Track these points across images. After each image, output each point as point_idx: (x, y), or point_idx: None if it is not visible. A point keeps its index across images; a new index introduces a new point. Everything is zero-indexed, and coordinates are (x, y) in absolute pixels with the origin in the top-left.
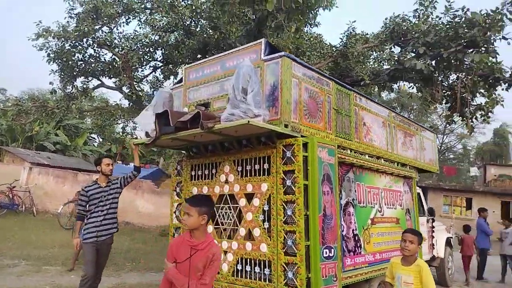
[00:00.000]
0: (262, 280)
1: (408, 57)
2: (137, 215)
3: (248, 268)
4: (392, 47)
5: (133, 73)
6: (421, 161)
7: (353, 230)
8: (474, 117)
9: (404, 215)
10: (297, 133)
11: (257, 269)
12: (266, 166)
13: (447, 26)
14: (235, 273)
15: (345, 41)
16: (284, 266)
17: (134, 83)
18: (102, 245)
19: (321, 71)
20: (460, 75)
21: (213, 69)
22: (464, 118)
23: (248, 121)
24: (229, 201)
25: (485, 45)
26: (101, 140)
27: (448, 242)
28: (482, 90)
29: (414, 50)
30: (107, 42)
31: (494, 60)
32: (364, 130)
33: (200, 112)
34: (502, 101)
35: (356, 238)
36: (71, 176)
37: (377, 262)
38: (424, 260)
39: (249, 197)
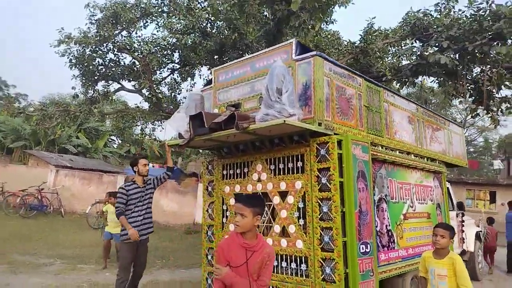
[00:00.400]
0: (298, 275)
1: (431, 52)
2: (162, 214)
3: (284, 264)
4: (414, 42)
5: (152, 76)
6: (449, 155)
7: (386, 225)
8: (500, 110)
9: (434, 210)
10: (330, 131)
11: (293, 265)
12: (299, 164)
13: (471, 19)
14: None
15: (364, 37)
16: (321, 261)
17: (154, 85)
18: (142, 245)
19: (351, 69)
20: (484, 68)
21: (242, 70)
22: (489, 112)
23: (284, 121)
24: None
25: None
26: (120, 141)
27: (477, 236)
28: (507, 83)
29: (437, 44)
30: (127, 46)
31: None
32: (394, 126)
33: (235, 113)
34: None
35: (390, 234)
36: (96, 177)
37: (410, 257)
38: None
39: (283, 195)
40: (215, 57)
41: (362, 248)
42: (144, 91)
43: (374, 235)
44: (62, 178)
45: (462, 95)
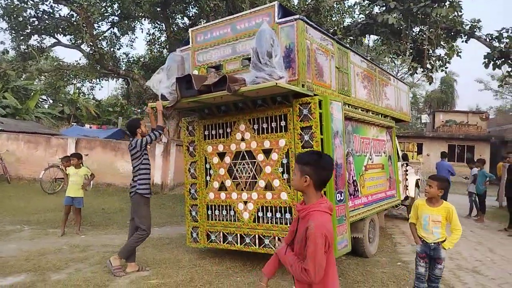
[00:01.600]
0: (283, 223)
1: (380, 12)
2: (119, 176)
3: (269, 214)
4: (362, 0)
5: (93, 29)
6: (397, 111)
7: (352, 176)
8: (434, 67)
9: (387, 161)
10: (311, 92)
11: (278, 214)
12: (283, 123)
13: None
14: (256, 220)
15: None
16: None
17: (96, 40)
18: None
19: (325, 32)
20: (423, 28)
21: (223, 31)
22: (426, 69)
23: (276, 83)
24: (246, 157)
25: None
26: (51, 101)
27: (416, 184)
28: (442, 43)
29: (384, 4)
30: None
31: (456, 13)
32: (357, 86)
33: (226, 75)
34: (460, 51)
35: (355, 184)
36: (44, 140)
37: (369, 203)
38: (399, 199)
39: (266, 152)
40: (158, 9)
41: (338, 196)
42: (83, 46)
43: (346, 185)
44: (5, 142)
45: (403, 53)
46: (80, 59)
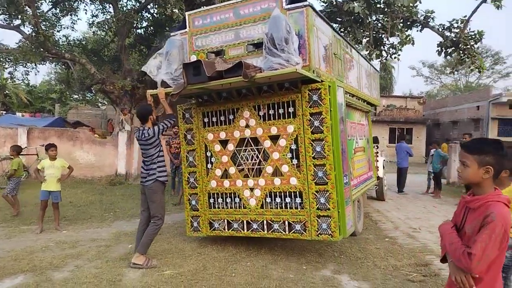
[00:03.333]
0: (293, 208)
1: (345, 0)
2: (77, 168)
3: (278, 200)
4: None
5: (36, 10)
6: (372, 96)
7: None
8: (388, 54)
9: (366, 144)
10: (318, 77)
11: (287, 199)
12: (291, 109)
13: None
14: (264, 206)
15: None
16: (315, 194)
17: (40, 21)
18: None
19: (326, 19)
20: (380, 17)
21: (224, 15)
22: (380, 57)
23: (296, 69)
24: (251, 144)
25: None
26: None
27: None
28: (397, 32)
29: None
30: None
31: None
32: (348, 72)
33: (242, 61)
34: (413, 41)
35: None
36: None
37: (358, 185)
38: (375, 180)
39: (273, 138)
40: None
41: (344, 179)
42: (24, 28)
43: (349, 168)
44: None
45: (360, 42)
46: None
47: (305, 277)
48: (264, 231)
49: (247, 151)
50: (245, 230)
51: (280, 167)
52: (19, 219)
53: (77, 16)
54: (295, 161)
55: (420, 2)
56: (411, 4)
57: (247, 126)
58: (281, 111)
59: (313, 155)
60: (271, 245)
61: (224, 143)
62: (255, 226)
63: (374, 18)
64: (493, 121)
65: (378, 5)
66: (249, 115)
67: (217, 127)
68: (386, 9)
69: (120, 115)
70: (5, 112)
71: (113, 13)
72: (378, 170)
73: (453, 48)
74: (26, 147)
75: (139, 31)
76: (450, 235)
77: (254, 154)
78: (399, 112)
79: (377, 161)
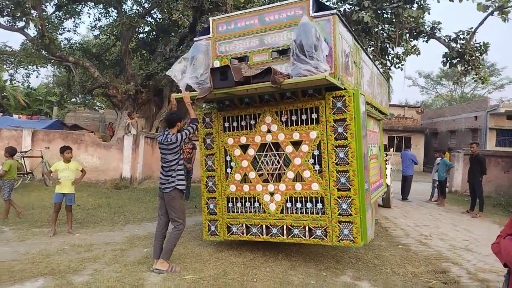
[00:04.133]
0: (314, 213)
1: (355, 10)
2: None
3: (298, 205)
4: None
5: (42, 12)
6: (383, 105)
7: None
8: (393, 64)
9: (378, 151)
10: (342, 85)
11: (308, 205)
12: (314, 116)
13: None
14: (284, 211)
15: None
16: (337, 199)
17: (46, 24)
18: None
19: (349, 27)
20: (386, 27)
21: (249, 22)
22: (384, 66)
23: (325, 77)
24: (272, 149)
25: (419, 1)
26: None
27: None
28: (402, 42)
29: (357, 3)
30: None
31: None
32: (363, 80)
33: (271, 67)
34: (418, 51)
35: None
36: None
37: (372, 192)
38: (385, 188)
39: (295, 144)
40: None
41: (365, 186)
42: (29, 31)
43: (369, 175)
44: None
45: (369, 50)
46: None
47: (326, 284)
48: (283, 236)
49: (267, 156)
50: (264, 235)
51: (301, 173)
52: (27, 221)
53: (80, 19)
54: (317, 167)
55: (429, 14)
56: (420, 15)
57: (268, 131)
58: (304, 117)
59: (336, 161)
60: (288, 251)
61: (244, 148)
62: (274, 231)
63: (380, 27)
64: (491, 131)
65: (386, 15)
66: (271, 120)
67: (238, 132)
68: (394, 19)
69: (127, 119)
70: (1, 114)
71: (116, 17)
72: (387, 177)
73: (459, 59)
74: (30, 149)
75: (141, 35)
76: (508, 246)
77: (275, 159)
78: (398, 120)
79: (386, 169)
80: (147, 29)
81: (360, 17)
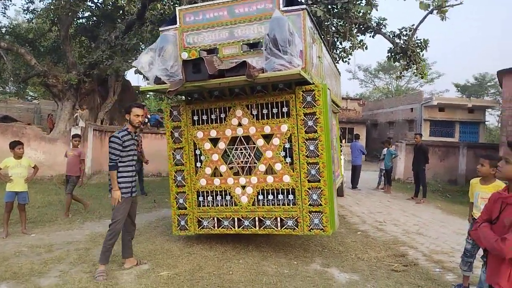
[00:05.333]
0: (286, 204)
1: (306, 4)
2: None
3: (270, 197)
4: None
5: None
6: (338, 97)
7: None
8: (341, 58)
9: (336, 143)
10: (311, 79)
11: (280, 196)
12: (285, 109)
13: None
14: (255, 203)
15: None
16: (308, 191)
17: None
18: (134, 200)
19: (314, 21)
20: (334, 21)
21: (218, 13)
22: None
23: (299, 72)
24: (243, 142)
25: None
26: None
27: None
28: (350, 37)
29: None
30: None
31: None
32: (325, 74)
33: (246, 61)
34: (366, 46)
35: None
36: None
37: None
38: (342, 178)
39: (266, 137)
40: None
41: (333, 177)
42: None
43: (336, 166)
44: None
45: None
46: None
47: (299, 272)
48: (255, 227)
49: (238, 149)
50: (236, 228)
51: (273, 165)
52: None
53: (10, 0)
54: (288, 160)
55: (377, 10)
56: (368, 11)
57: (239, 124)
58: (274, 110)
59: (306, 154)
60: (257, 242)
61: (214, 141)
62: (246, 223)
63: (330, 22)
64: (425, 122)
65: (336, 10)
66: (241, 114)
67: (208, 125)
68: (344, 14)
69: (77, 110)
70: None
71: (52, 0)
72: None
73: (401, 54)
74: None
75: (80, 21)
76: (482, 230)
77: (246, 152)
78: (341, 112)
79: (341, 159)
80: (86, 14)
81: (313, 11)
